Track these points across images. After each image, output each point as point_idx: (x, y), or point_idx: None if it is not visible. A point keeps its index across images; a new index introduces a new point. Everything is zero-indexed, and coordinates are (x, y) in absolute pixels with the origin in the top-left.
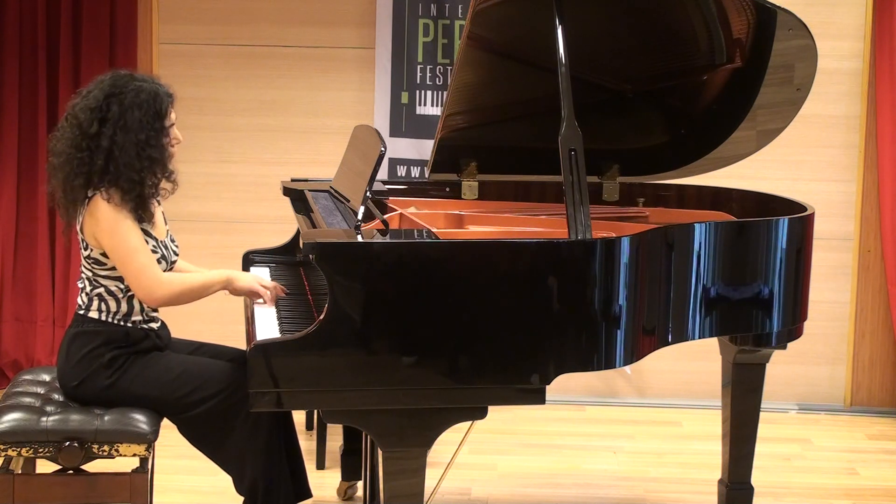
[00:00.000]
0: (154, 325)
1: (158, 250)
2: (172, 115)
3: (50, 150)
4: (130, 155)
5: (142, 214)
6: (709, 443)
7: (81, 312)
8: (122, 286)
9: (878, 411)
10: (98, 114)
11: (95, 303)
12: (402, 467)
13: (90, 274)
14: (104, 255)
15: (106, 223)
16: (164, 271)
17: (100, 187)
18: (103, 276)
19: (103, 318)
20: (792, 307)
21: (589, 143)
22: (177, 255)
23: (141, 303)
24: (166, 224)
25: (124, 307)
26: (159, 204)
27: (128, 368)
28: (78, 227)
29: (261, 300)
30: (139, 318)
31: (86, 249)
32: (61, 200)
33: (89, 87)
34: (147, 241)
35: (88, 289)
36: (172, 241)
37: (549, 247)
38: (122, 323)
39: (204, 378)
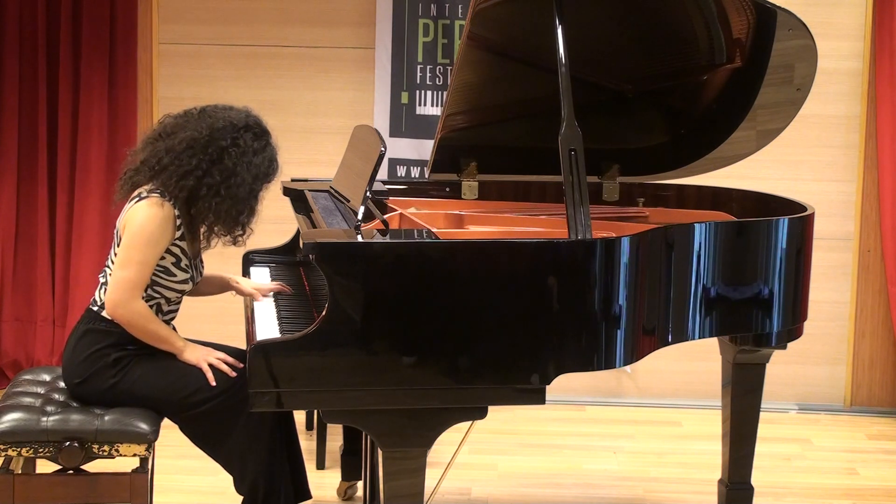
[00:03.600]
0: None
1: (189, 270)
2: (267, 187)
3: (166, 125)
4: (242, 191)
5: (186, 234)
6: (709, 443)
7: (95, 309)
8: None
9: (878, 411)
10: (233, 132)
11: None
12: (402, 467)
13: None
14: None
15: (141, 223)
16: (186, 291)
17: (198, 201)
18: None
19: None
20: (792, 307)
21: (589, 143)
22: (201, 274)
23: (156, 306)
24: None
25: None
26: None
27: (131, 368)
28: (119, 219)
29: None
30: None
31: (119, 245)
32: (140, 172)
33: (233, 106)
34: (180, 259)
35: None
36: (201, 261)
37: (549, 247)
38: None
39: (205, 378)
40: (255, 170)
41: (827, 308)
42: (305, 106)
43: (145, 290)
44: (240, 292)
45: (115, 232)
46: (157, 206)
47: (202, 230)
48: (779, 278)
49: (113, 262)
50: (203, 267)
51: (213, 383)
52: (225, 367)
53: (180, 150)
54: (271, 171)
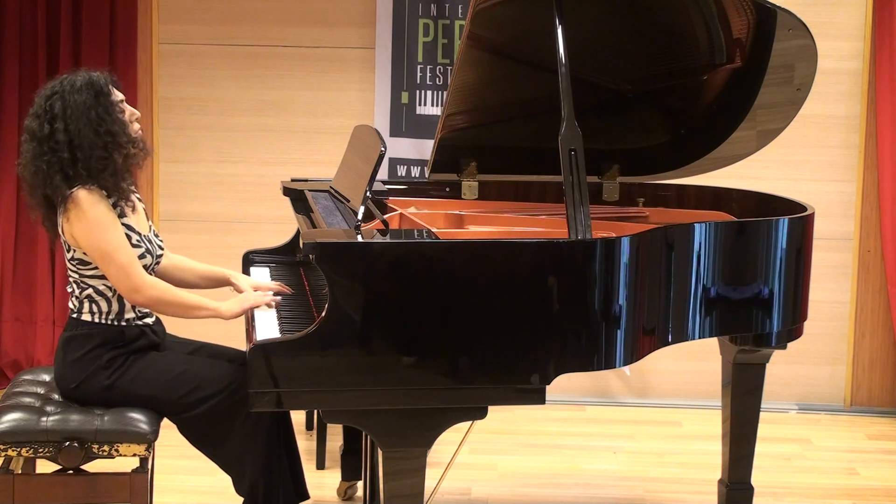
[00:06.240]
0: (149, 321)
1: (142, 244)
2: (117, 93)
3: (21, 176)
4: (89, 136)
5: (122, 206)
6: (709, 443)
7: (74, 316)
8: (110, 285)
9: (878, 411)
10: (45, 116)
11: (86, 305)
12: (402, 467)
13: (77, 276)
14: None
15: (85, 222)
16: (150, 265)
17: (77, 181)
18: (89, 277)
19: (96, 319)
20: (792, 307)
21: (589, 143)
22: (161, 249)
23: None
24: (149, 220)
25: (115, 306)
26: (140, 200)
27: (127, 369)
28: (59, 230)
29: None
30: (132, 315)
31: (69, 251)
32: (46, 216)
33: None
34: (130, 236)
35: (77, 292)
36: (156, 235)
37: (549, 247)
38: (115, 322)
39: (204, 378)
40: (82, 107)
41: (827, 308)
42: (305, 106)
43: (114, 290)
44: (238, 290)
45: (62, 241)
46: (80, 198)
47: (111, 188)
48: (779, 278)
49: (73, 270)
50: (161, 242)
51: (217, 384)
52: (265, 302)
53: (35, 170)
54: (97, 87)
